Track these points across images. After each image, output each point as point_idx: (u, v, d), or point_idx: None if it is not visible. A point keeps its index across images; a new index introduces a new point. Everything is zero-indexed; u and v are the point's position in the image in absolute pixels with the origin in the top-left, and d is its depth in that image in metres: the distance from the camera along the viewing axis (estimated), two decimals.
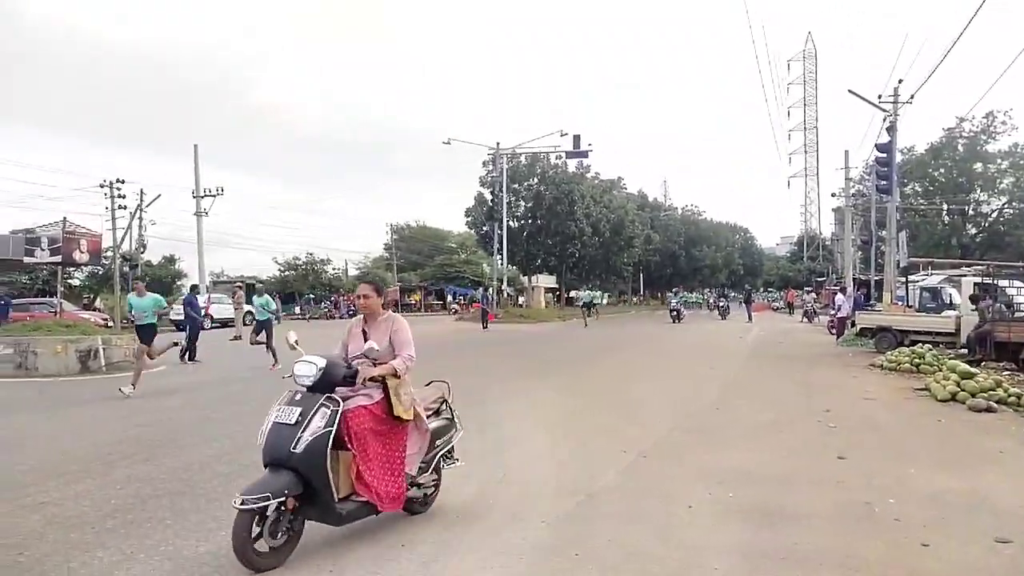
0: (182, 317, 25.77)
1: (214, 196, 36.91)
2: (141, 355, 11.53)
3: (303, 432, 3.81)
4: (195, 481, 5.59)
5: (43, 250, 26.16)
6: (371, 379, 4.27)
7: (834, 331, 22.81)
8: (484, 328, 29.06)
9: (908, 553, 4.08)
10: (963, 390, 9.79)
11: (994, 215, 42.75)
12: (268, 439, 3.92)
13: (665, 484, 5.54)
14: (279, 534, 3.78)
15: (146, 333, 11.61)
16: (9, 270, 31.59)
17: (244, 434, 7.55)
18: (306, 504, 3.87)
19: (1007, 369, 13.33)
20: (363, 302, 4.65)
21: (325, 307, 46.05)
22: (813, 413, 8.90)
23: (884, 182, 23.38)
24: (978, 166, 41.39)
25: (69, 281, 36.73)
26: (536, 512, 4.79)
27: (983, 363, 13.45)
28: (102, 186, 36.13)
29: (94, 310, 34.77)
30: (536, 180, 48.68)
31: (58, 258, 26.56)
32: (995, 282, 15.85)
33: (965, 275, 18.73)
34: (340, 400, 4.06)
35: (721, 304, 43.71)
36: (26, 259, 26.73)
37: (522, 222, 49.17)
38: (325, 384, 4.09)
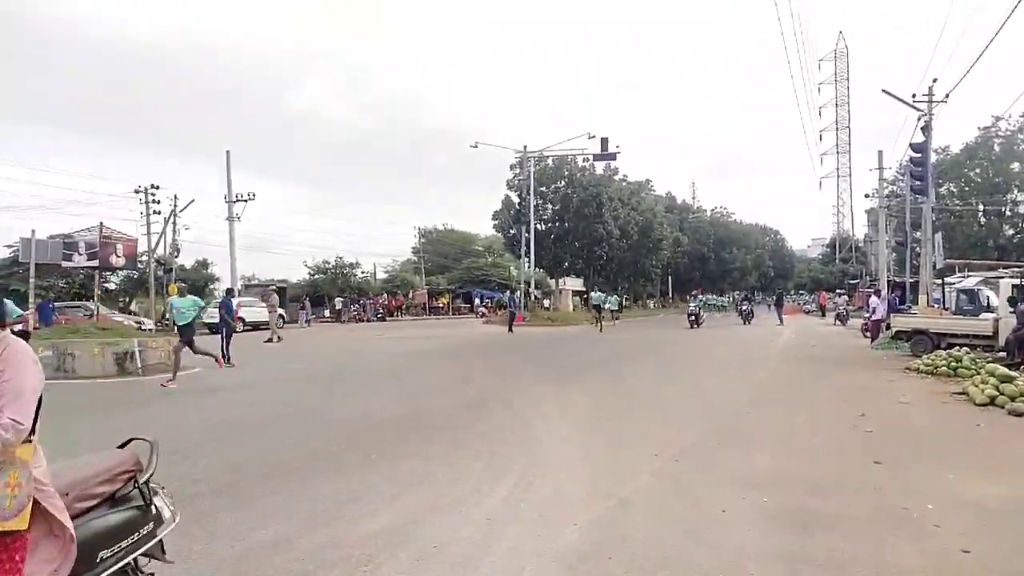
0: (217, 320, 26.25)
1: (246, 201, 37.40)
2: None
3: None
4: (230, 481, 5.66)
5: (81, 254, 26.78)
6: None
7: (868, 334, 22.43)
8: (510, 331, 29.07)
9: (948, 560, 3.99)
10: (1002, 394, 9.55)
11: None
12: None
13: (698, 488, 5.49)
14: None
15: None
16: (48, 274, 32.32)
17: (279, 435, 7.66)
18: None
19: None
20: None
21: (354, 310, 46.42)
22: (848, 417, 8.75)
23: (919, 182, 22.99)
24: (1015, 166, 40.51)
25: (105, 285, 37.46)
26: (568, 515, 4.77)
27: (1022, 366, 13.12)
28: (137, 191, 36.85)
29: (129, 313, 35.48)
30: (563, 183, 48.65)
31: (95, 262, 27.18)
32: None
33: (1003, 277, 18.30)
34: None
35: (744, 308, 39.95)
36: (64, 263, 27.36)
37: (549, 225, 49.15)
38: None
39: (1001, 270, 20.65)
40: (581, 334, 29.00)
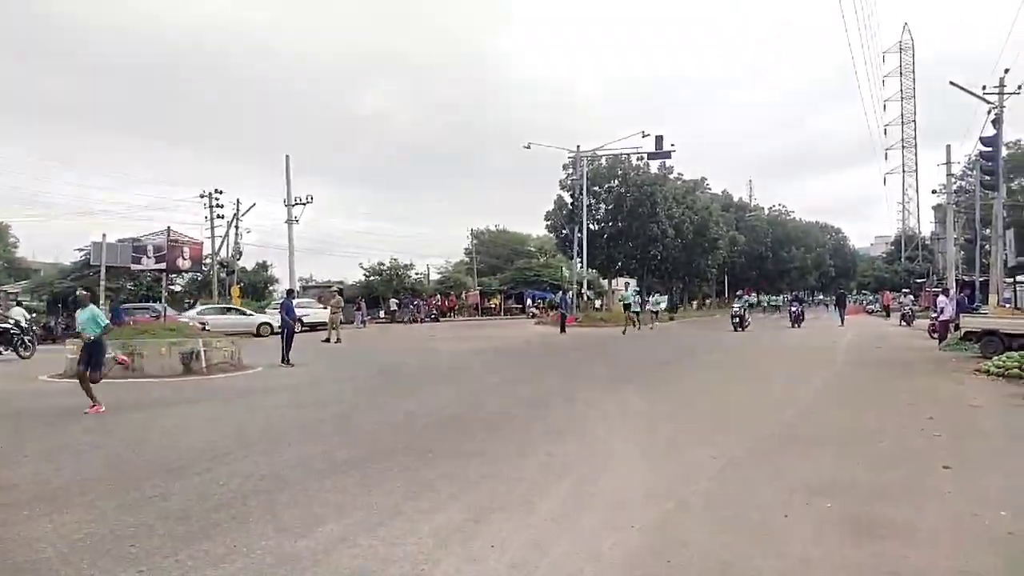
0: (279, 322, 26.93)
1: (304, 204, 38.29)
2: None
3: None
4: (292, 478, 5.79)
5: (149, 257, 27.75)
6: None
7: (936, 335, 21.65)
8: (562, 332, 29.01)
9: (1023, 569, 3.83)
10: None
11: None
12: None
13: (759, 492, 5.38)
14: None
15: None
16: (117, 276, 33.64)
17: (337, 433, 7.82)
18: None
19: None
20: None
21: (408, 311, 47.03)
22: (915, 421, 8.47)
23: (989, 177, 22.14)
24: None
25: (171, 287, 38.80)
26: (627, 517, 4.73)
27: None
28: (201, 196, 38.06)
29: None
30: (617, 182, 48.30)
31: (163, 265, 28.12)
32: None
33: None
34: None
35: (794, 309, 35.18)
36: (134, 266, 28.42)
37: (602, 225, 48.88)
38: None
39: None
40: (633, 335, 28.76)
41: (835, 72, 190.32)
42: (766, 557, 4.02)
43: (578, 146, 43.73)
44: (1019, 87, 22.55)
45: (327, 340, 23.61)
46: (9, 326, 20.11)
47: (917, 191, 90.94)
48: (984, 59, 79.37)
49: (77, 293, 11.04)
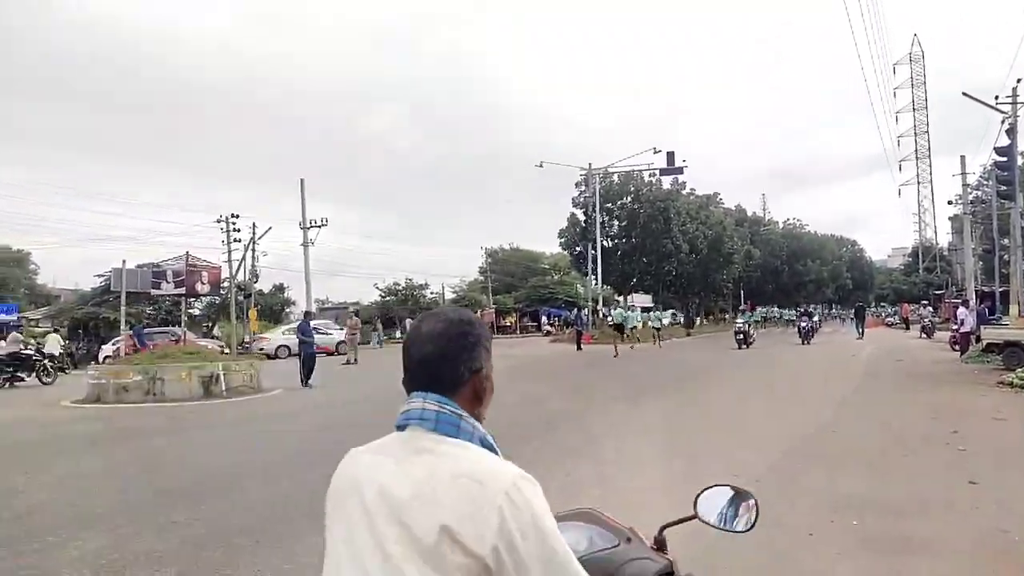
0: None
1: (319, 227, 38.57)
2: None
3: None
4: (313, 502, 5.78)
5: (168, 282, 28.06)
6: None
7: (957, 347, 21.40)
8: (578, 349, 28.92)
9: None
10: None
11: None
12: None
13: (783, 510, 5.33)
14: None
15: None
16: (136, 301, 33.99)
17: None
18: None
19: None
20: None
21: None
22: (939, 435, 8.36)
23: (1005, 187, 21.94)
24: None
25: (189, 311, 39.16)
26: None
27: None
28: (218, 221, 38.44)
29: (213, 338, 36.93)
30: (630, 198, 48.32)
31: (182, 290, 28.41)
32: None
33: None
34: None
35: (803, 324, 31.90)
36: (153, 291, 28.71)
37: (616, 241, 48.85)
38: None
39: None
40: (651, 352, 28.63)
41: (846, 84, 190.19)
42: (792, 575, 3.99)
43: (590, 164, 43.87)
44: None
45: (348, 363, 23.72)
46: (31, 352, 20.35)
47: (933, 202, 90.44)
48: (998, 67, 78.92)
49: None
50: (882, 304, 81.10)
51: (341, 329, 30.22)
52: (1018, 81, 22.62)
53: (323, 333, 28.54)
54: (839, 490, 5.86)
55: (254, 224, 39.00)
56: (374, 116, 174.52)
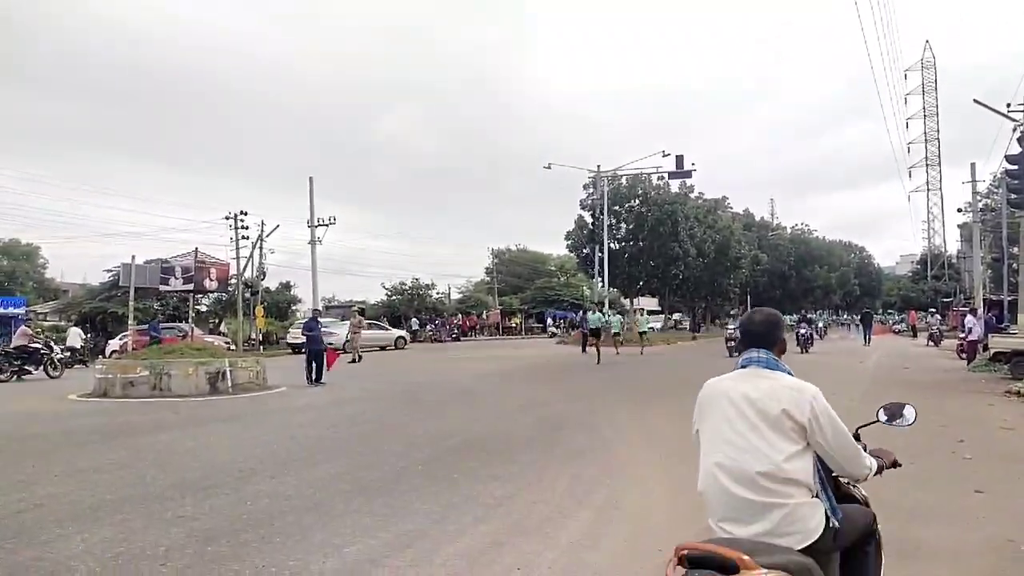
0: (299, 341, 27.22)
1: (327, 225, 38.67)
2: None
3: None
4: (319, 498, 5.84)
5: (177, 278, 28.15)
6: None
7: (964, 355, 21.30)
8: (583, 351, 28.85)
9: None
10: None
11: None
12: None
13: None
14: None
15: None
16: (144, 297, 34.13)
17: (361, 454, 7.85)
18: None
19: None
20: None
21: (430, 330, 47.13)
22: (946, 444, 8.33)
23: (1016, 195, 21.76)
24: None
25: (197, 307, 39.27)
26: (653, 541, 4.71)
27: None
28: (227, 218, 38.55)
29: (219, 334, 37.05)
30: (637, 201, 48.26)
31: (190, 286, 28.49)
32: None
33: None
34: None
35: (802, 331, 29.05)
36: (162, 287, 28.81)
37: (623, 244, 48.80)
38: None
39: None
40: (657, 354, 28.57)
41: (856, 90, 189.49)
42: None
43: (598, 166, 43.85)
44: None
45: (353, 361, 23.79)
46: (39, 346, 20.47)
47: (942, 209, 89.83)
48: (1010, 74, 78.60)
49: None
50: (889, 311, 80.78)
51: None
52: None
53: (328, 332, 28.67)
54: None
55: (262, 222, 39.07)
56: (385, 116, 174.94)
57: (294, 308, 51.28)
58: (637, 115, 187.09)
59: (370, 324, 36.67)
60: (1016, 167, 21.29)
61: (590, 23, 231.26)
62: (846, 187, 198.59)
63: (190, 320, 30.34)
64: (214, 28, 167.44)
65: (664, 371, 20.32)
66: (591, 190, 45.91)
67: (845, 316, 77.90)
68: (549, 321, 55.83)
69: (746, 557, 2.00)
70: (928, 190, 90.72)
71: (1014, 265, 31.17)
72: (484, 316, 56.53)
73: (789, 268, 69.37)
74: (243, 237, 38.39)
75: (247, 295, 37.99)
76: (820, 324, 47.53)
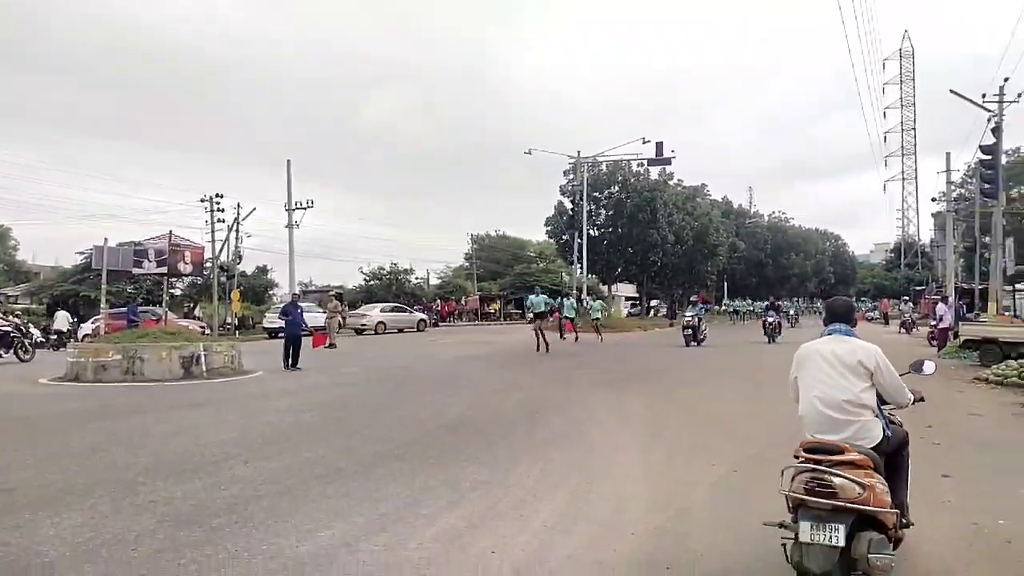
0: (275, 326, 27.01)
1: (304, 209, 38.34)
2: None
3: None
4: (294, 483, 5.81)
5: (150, 261, 27.60)
6: None
7: (935, 343, 21.69)
8: (562, 337, 28.87)
9: None
10: None
11: None
12: None
13: (759, 499, 5.38)
14: None
15: None
16: (118, 280, 33.61)
17: (337, 438, 7.82)
18: None
19: None
20: None
21: None
22: (915, 429, 8.39)
23: (989, 185, 22.18)
24: None
25: (171, 291, 38.81)
26: (627, 524, 4.75)
27: None
28: (202, 200, 38.06)
29: (194, 318, 36.66)
30: (617, 188, 48.34)
31: (164, 269, 28.00)
32: None
33: None
34: None
35: (770, 319, 27.00)
36: (135, 270, 28.31)
37: (602, 231, 48.92)
38: None
39: None
40: (634, 341, 28.74)
41: (835, 78, 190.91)
42: (767, 565, 4.04)
43: (578, 152, 43.82)
44: (1019, 95, 22.63)
45: (331, 345, 23.65)
46: (9, 329, 20.11)
47: (917, 198, 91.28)
48: (985, 66, 79.55)
49: None
50: (863, 299, 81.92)
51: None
52: (1005, 80, 22.86)
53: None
54: None
55: (239, 205, 38.65)
56: (365, 100, 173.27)
57: (271, 292, 50.89)
58: (618, 104, 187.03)
59: (393, 307, 39.73)
60: (990, 157, 21.68)
61: (574, 9, 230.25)
62: (824, 176, 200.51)
63: (164, 304, 29.92)
64: (198, 6, 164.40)
65: (606, 364, 20.45)
66: (571, 176, 45.92)
67: (819, 303, 78.80)
68: (526, 303, 55.78)
69: (845, 445, 3.45)
70: (904, 179, 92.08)
71: (986, 254, 31.68)
72: (463, 302, 56.46)
73: (766, 256, 69.98)
74: (219, 220, 37.97)
75: (223, 279, 37.61)
76: (791, 311, 47.20)
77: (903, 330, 34.84)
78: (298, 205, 38.36)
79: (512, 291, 58.82)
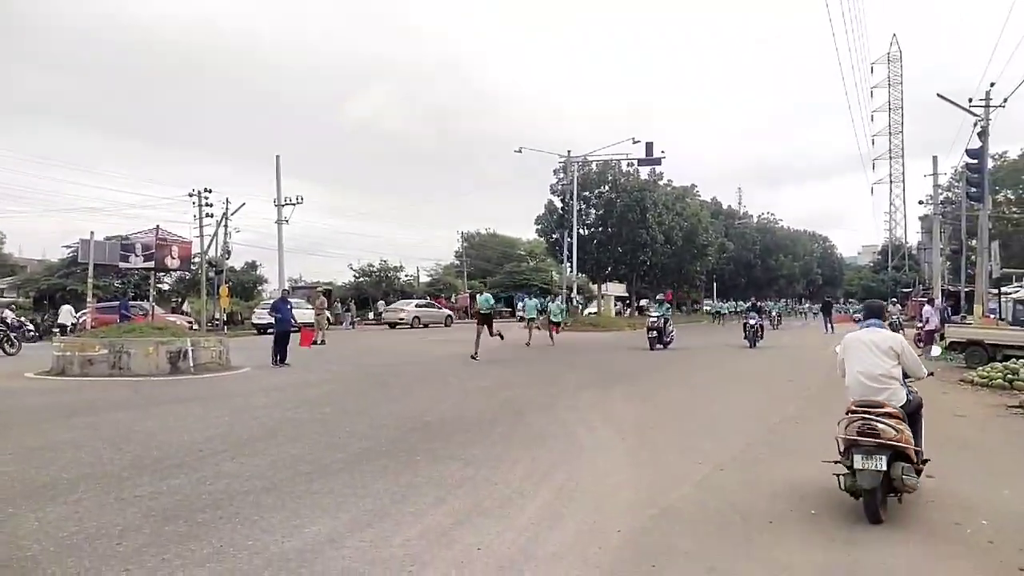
0: (263, 321, 26.87)
1: (294, 204, 38.17)
2: None
3: None
4: (279, 479, 5.80)
5: (137, 256, 27.51)
6: None
7: (921, 344, 21.83)
8: (551, 339, 28.77)
9: None
10: None
11: None
12: None
13: (744, 498, 5.43)
14: None
15: None
16: (105, 274, 33.38)
17: (323, 435, 7.80)
18: None
19: None
20: None
21: None
22: None
23: (975, 189, 22.38)
24: None
25: (159, 285, 38.58)
26: (611, 522, 4.77)
27: None
28: (190, 195, 37.81)
29: (182, 313, 36.45)
30: (607, 187, 48.39)
31: (151, 264, 27.88)
32: None
33: None
34: None
35: (751, 322, 24.76)
36: (122, 264, 28.18)
37: (592, 230, 48.95)
38: None
39: None
40: (623, 340, 28.76)
41: (823, 82, 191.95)
42: (751, 563, 4.07)
43: (569, 151, 43.89)
44: (1004, 100, 22.80)
45: (319, 342, 23.58)
46: None
47: (904, 201, 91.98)
48: (973, 71, 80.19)
49: None
50: (850, 300, 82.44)
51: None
52: (991, 85, 23.04)
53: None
54: (799, 480, 5.93)
55: (227, 200, 38.45)
56: (356, 97, 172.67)
57: (260, 288, 50.67)
58: (610, 104, 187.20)
59: (426, 304, 43.05)
60: (976, 161, 21.86)
61: (574, 9, 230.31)
62: (813, 178, 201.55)
63: (151, 299, 29.77)
64: (183, 0, 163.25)
65: (564, 369, 20.45)
66: (561, 175, 45.94)
67: (807, 304, 79.19)
68: (519, 306, 55.79)
69: (885, 402, 4.98)
70: (891, 182, 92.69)
71: (972, 257, 31.92)
72: (453, 300, 56.39)
73: (755, 256, 70.24)
74: (207, 215, 37.74)
75: (211, 274, 37.40)
76: (774, 312, 44.82)
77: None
78: (287, 201, 38.20)
79: (502, 290, 58.79)
